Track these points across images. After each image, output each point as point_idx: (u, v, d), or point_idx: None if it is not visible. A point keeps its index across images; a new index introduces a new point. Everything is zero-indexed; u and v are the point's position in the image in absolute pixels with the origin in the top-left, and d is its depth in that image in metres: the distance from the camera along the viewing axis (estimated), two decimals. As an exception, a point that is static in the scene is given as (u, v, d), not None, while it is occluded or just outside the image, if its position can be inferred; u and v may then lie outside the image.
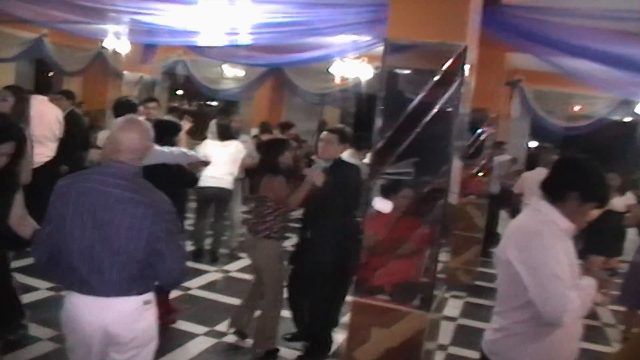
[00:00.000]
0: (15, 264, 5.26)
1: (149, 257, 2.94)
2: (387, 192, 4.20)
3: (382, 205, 4.15)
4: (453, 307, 7.36)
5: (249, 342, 5.45)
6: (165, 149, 5.20)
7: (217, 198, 8.22)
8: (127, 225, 2.89)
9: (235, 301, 6.52)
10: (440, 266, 4.20)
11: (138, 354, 3.07)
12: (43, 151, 6.13)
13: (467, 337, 6.12)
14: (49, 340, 5.07)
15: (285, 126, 11.61)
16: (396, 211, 4.16)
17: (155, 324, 3.15)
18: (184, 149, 5.59)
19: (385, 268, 4.23)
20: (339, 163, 5.23)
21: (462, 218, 8.37)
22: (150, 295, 3.07)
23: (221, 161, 7.90)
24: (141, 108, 7.04)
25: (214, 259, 8.26)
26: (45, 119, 6.54)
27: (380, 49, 4.25)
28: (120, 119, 3.29)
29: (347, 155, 5.67)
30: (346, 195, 5.05)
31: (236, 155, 8.22)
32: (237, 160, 8.22)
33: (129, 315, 2.97)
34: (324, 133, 5.36)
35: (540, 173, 7.46)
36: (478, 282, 8.39)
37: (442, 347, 5.86)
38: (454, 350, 5.96)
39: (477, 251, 8.69)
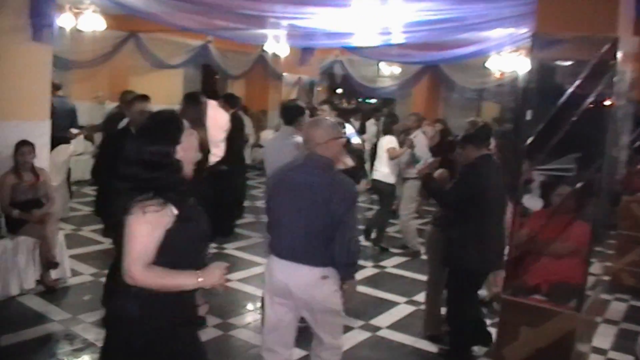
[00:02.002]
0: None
1: (329, 231, 3.47)
2: (543, 188, 4.10)
3: (533, 202, 4.07)
4: (616, 310, 7.00)
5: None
6: None
7: (377, 190, 8.82)
8: (312, 203, 3.49)
9: (390, 296, 6.68)
10: (600, 267, 4.02)
11: (321, 319, 3.67)
12: (216, 152, 6.51)
13: (629, 342, 5.76)
14: (213, 327, 5.44)
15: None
16: (549, 208, 4.06)
17: (336, 299, 3.63)
18: None
19: (542, 267, 4.13)
20: (478, 161, 4.98)
21: (626, 217, 7.96)
22: (328, 271, 3.56)
23: (380, 155, 8.55)
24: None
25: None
26: (217, 123, 6.92)
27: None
28: (309, 120, 3.93)
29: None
30: (480, 194, 4.88)
31: (385, 149, 8.48)
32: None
33: (306, 282, 3.54)
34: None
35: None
36: (645, 285, 7.90)
37: (602, 352, 5.60)
38: (614, 355, 5.64)
39: (644, 252, 8.18)
